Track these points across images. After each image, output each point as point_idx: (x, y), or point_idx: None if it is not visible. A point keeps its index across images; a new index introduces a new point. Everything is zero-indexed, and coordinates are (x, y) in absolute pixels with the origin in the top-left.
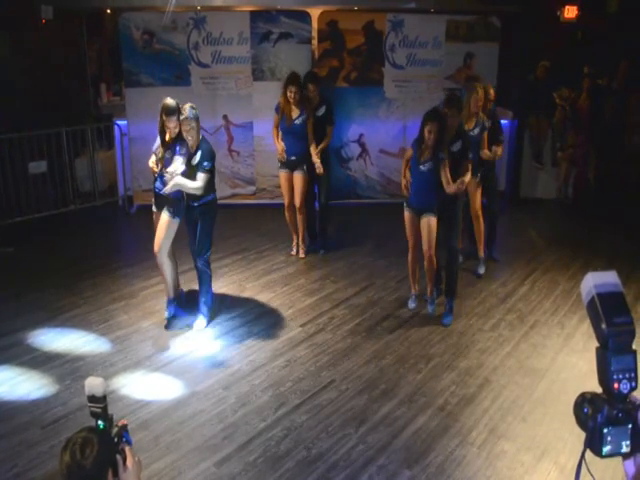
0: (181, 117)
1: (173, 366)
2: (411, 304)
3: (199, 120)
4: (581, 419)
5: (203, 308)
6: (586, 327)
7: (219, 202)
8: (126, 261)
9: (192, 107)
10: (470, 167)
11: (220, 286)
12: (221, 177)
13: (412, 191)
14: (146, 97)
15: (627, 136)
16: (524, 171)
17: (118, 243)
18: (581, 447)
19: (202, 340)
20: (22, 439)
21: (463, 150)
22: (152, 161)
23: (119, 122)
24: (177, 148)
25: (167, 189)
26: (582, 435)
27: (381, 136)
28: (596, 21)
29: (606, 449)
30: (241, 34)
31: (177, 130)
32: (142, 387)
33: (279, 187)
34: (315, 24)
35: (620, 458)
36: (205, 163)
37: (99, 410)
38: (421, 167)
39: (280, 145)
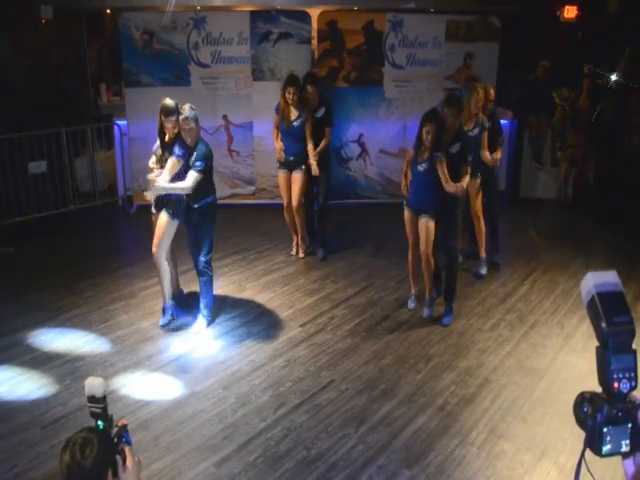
0: (180, 117)
1: (173, 366)
2: (411, 304)
3: (198, 121)
4: (581, 418)
5: (203, 309)
6: (586, 327)
7: (219, 202)
8: (126, 261)
9: (191, 107)
10: (469, 170)
11: (220, 286)
12: (221, 177)
13: (412, 191)
14: (146, 97)
15: (627, 136)
16: (524, 171)
17: (118, 243)
18: (581, 447)
19: (202, 340)
20: (22, 439)
21: (462, 152)
22: (152, 161)
23: (119, 122)
24: (174, 148)
25: (148, 194)
26: (582, 435)
27: (381, 136)
28: (596, 21)
29: (606, 448)
30: (241, 34)
31: (176, 131)
32: (142, 387)
33: (278, 187)
34: (315, 24)
35: (620, 457)
36: (198, 163)
37: (99, 410)
38: (419, 167)
39: (279, 145)
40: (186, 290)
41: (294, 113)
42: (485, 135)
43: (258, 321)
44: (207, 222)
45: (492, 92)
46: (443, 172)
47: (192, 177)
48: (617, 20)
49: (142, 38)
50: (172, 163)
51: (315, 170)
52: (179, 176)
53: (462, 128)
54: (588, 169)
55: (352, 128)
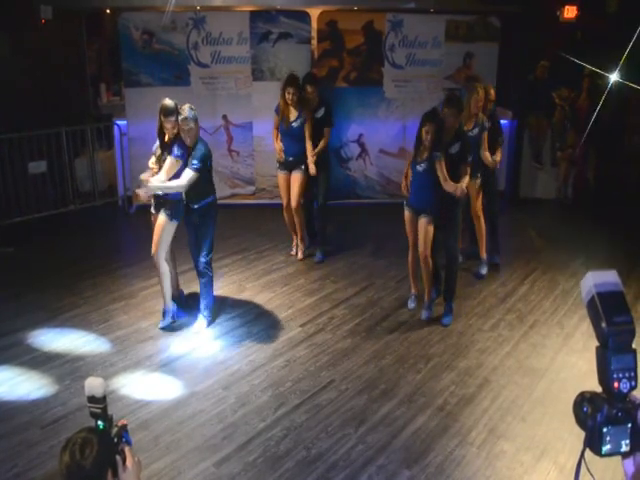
0: (180, 117)
1: (173, 366)
2: (411, 304)
3: (198, 121)
4: (580, 418)
5: (203, 309)
6: (586, 327)
7: (219, 202)
8: (126, 261)
9: (191, 108)
10: (468, 170)
11: (220, 286)
12: (221, 177)
13: (412, 191)
14: (146, 97)
15: (627, 136)
16: (524, 171)
17: (118, 243)
18: (581, 447)
19: (202, 340)
20: (22, 439)
21: (462, 152)
22: (152, 162)
23: (119, 122)
24: (173, 148)
25: (140, 192)
26: (582, 435)
27: (381, 136)
28: (596, 21)
29: (605, 448)
30: (241, 34)
31: (175, 131)
32: (142, 387)
33: (278, 187)
34: (315, 24)
35: (619, 457)
36: (195, 162)
37: (99, 410)
38: (418, 167)
39: (278, 146)
40: (186, 290)
41: (293, 114)
42: (485, 135)
43: (258, 321)
44: (207, 223)
45: (492, 92)
46: (442, 171)
47: (187, 175)
48: (617, 20)
49: (142, 38)
50: (170, 163)
51: (312, 169)
52: (178, 176)
53: (462, 128)
54: (588, 169)
55: (352, 128)
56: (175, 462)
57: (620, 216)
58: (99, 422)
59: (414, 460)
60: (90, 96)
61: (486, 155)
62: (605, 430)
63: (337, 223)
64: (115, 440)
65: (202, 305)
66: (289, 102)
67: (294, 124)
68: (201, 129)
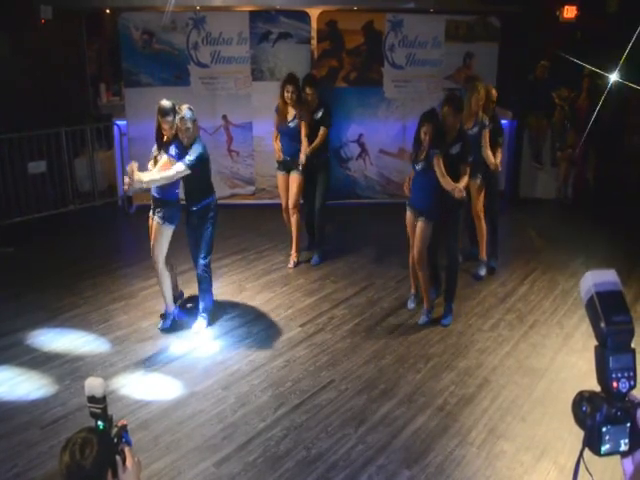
0: (178, 117)
1: (172, 366)
2: (410, 304)
3: (196, 122)
4: (579, 417)
5: (203, 310)
6: (585, 327)
7: (218, 202)
8: (126, 261)
9: (189, 108)
10: (468, 170)
11: (220, 286)
12: (220, 177)
13: (412, 191)
14: (145, 97)
15: (627, 136)
16: (524, 171)
17: (118, 243)
18: (580, 446)
19: (201, 340)
20: (22, 439)
21: (463, 153)
22: (151, 164)
23: (118, 122)
24: (170, 148)
25: (126, 180)
26: (581, 434)
27: (380, 136)
28: (596, 21)
29: (605, 448)
30: (240, 34)
31: (173, 131)
32: (142, 387)
33: (277, 188)
34: (314, 24)
35: (619, 457)
36: (188, 157)
37: (99, 411)
38: (417, 167)
39: (277, 146)
40: (186, 290)
41: (291, 113)
42: (486, 133)
43: (258, 321)
44: (207, 224)
45: (494, 92)
46: (439, 167)
47: (177, 168)
48: (617, 20)
49: (142, 38)
50: (164, 162)
51: (303, 158)
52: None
53: (463, 129)
54: (588, 169)
55: (352, 128)
56: (175, 462)
57: (620, 216)
58: (99, 422)
59: (414, 460)
60: (90, 96)
61: (488, 153)
62: (604, 430)
63: (337, 223)
64: (115, 440)
65: (201, 307)
66: (288, 101)
67: (291, 124)
68: (201, 129)
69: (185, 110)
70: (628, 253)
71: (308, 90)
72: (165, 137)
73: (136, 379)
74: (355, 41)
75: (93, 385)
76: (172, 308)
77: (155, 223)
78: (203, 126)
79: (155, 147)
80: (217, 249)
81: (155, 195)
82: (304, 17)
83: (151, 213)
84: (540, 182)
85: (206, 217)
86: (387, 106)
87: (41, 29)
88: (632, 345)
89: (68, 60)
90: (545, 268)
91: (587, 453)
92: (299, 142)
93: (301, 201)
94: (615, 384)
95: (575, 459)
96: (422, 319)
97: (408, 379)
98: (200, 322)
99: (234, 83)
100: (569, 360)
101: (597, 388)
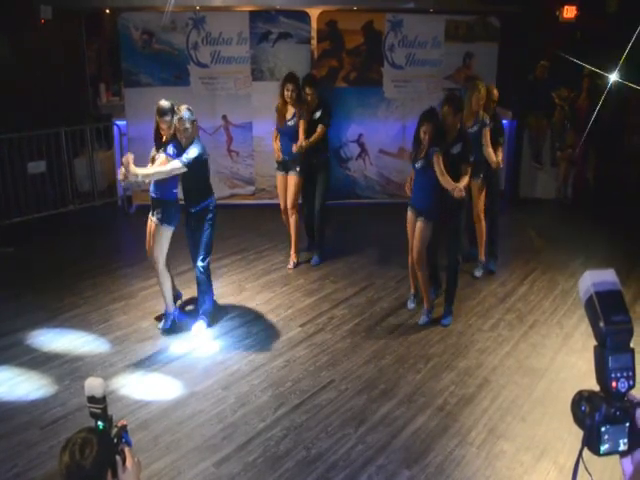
0: (176, 117)
1: (172, 366)
2: (410, 304)
3: (195, 123)
4: (578, 417)
5: (202, 313)
6: (585, 327)
7: (218, 202)
8: (126, 261)
9: (188, 109)
10: (469, 171)
11: (219, 286)
12: (220, 177)
13: (413, 191)
14: (145, 97)
15: (627, 136)
16: (523, 171)
17: (118, 243)
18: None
19: (201, 340)
20: (21, 439)
21: (464, 152)
22: (150, 164)
23: (118, 122)
24: (168, 147)
25: (120, 172)
26: (581, 434)
27: (380, 136)
28: (595, 21)
29: (604, 448)
30: (240, 34)
31: (172, 132)
32: (141, 387)
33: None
34: (314, 24)
35: (618, 457)
36: (185, 156)
37: (99, 411)
38: (416, 166)
39: (276, 145)
40: (186, 291)
41: (290, 112)
42: (487, 132)
43: (257, 321)
44: (205, 226)
45: (495, 92)
46: (438, 165)
47: (172, 164)
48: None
49: (141, 38)
50: (161, 161)
51: (295, 149)
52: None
53: (464, 128)
54: (588, 169)
55: (351, 128)
56: (175, 462)
57: (620, 216)
58: (99, 422)
59: (414, 460)
60: (90, 96)
61: (489, 152)
62: (603, 429)
63: (337, 223)
64: (115, 440)
65: (201, 309)
66: (287, 99)
67: (290, 122)
68: (201, 129)
69: (184, 111)
70: (627, 253)
71: (308, 90)
72: (164, 137)
73: (136, 379)
74: (355, 41)
75: (93, 385)
76: (172, 309)
77: (153, 224)
78: (203, 126)
79: (154, 148)
80: (217, 249)
81: (153, 195)
82: (304, 17)
83: (150, 214)
84: (540, 182)
85: (205, 219)
86: (387, 106)
87: (41, 29)
88: (631, 345)
89: (68, 60)
90: (545, 268)
91: (586, 453)
92: (297, 141)
93: (300, 201)
94: (614, 384)
95: (575, 459)
96: (422, 319)
97: (408, 379)
98: (200, 324)
99: (234, 83)
100: (569, 360)
101: (596, 388)
